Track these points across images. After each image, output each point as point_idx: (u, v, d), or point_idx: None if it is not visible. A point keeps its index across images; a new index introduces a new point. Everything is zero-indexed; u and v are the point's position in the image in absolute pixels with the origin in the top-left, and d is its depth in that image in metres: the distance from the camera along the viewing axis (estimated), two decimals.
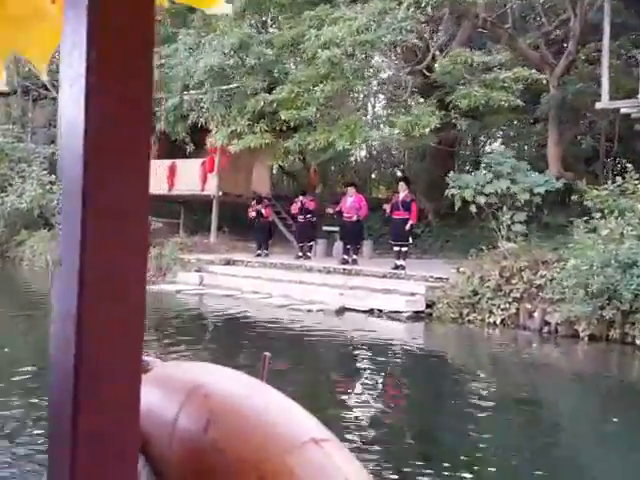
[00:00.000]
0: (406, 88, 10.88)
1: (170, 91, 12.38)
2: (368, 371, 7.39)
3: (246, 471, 0.70)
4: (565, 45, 15.06)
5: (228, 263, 14.54)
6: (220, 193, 17.77)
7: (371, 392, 6.40)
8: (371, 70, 10.16)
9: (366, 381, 6.90)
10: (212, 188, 17.84)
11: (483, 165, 10.04)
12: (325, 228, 16.22)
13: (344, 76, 9.99)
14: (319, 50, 10.07)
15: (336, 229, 15.76)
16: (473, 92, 9.92)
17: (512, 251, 10.74)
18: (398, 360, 8.11)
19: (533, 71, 10.70)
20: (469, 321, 10.20)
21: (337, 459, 0.69)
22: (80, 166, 0.56)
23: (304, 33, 10.76)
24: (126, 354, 0.59)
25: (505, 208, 10.40)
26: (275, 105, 10.66)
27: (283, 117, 10.34)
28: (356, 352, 8.28)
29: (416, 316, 10.49)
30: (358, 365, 7.66)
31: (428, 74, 10.64)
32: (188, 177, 18.37)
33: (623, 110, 11.45)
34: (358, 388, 6.52)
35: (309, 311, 10.58)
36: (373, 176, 24.12)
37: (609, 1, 11.31)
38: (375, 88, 10.25)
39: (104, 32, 0.56)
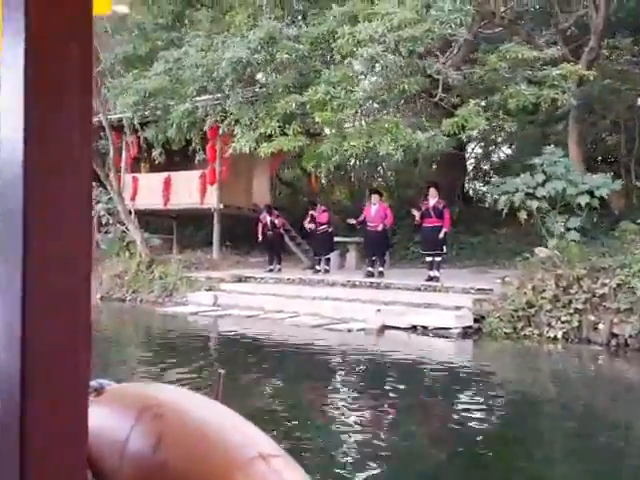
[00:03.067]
0: (450, 88, 10.07)
1: (181, 96, 11.37)
2: (460, 404, 6.46)
3: None
4: (579, 43, 14.50)
5: (240, 280, 13.53)
6: (221, 206, 16.76)
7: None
8: (416, 67, 9.31)
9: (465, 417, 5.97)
10: (212, 201, 16.82)
11: (537, 166, 9.21)
12: (337, 239, 15.32)
13: (387, 74, 9.14)
14: (354, 48, 9.21)
15: (349, 239, 14.92)
16: (522, 91, 9.16)
17: (561, 258, 9.97)
18: (470, 391, 7.17)
19: (579, 66, 10.00)
20: (525, 336, 9.35)
21: (285, 474, 0.69)
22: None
23: (334, 30, 9.88)
24: (71, 371, 0.60)
25: (554, 213, 9.63)
26: (308, 107, 9.73)
27: (318, 119, 9.42)
28: (423, 379, 7.36)
29: (464, 332, 9.62)
30: (440, 397, 6.74)
31: (471, 71, 9.85)
32: (185, 190, 17.32)
33: None
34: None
35: (349, 331, 9.64)
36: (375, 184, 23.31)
37: None
38: (417, 87, 9.35)
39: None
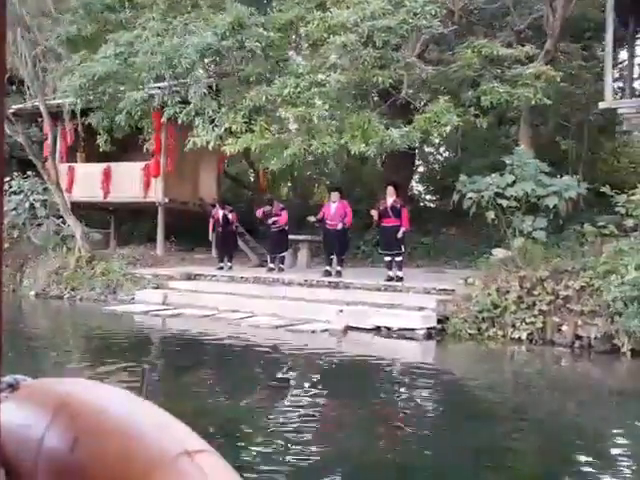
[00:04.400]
0: (422, 82, 9.84)
1: (134, 82, 10.63)
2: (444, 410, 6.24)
3: None
4: (534, 45, 14.68)
5: (189, 278, 12.93)
6: (166, 200, 16.03)
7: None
8: (389, 59, 9.00)
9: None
10: (157, 194, 16.07)
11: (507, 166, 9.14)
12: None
13: (362, 66, 8.79)
14: (326, 35, 8.82)
15: (300, 237, 14.56)
16: (496, 88, 9.04)
17: (522, 259, 9.97)
18: (428, 391, 6.97)
19: (548, 67, 10.00)
20: (489, 337, 9.26)
21: (210, 471, 0.66)
22: None
23: (303, 16, 9.45)
24: None
25: (518, 213, 9.60)
26: (279, 101, 9.25)
27: (288, 114, 8.96)
28: (384, 379, 7.12)
29: (428, 333, 9.46)
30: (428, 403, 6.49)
31: (443, 68, 9.65)
32: (127, 182, 16.47)
33: (623, 111, 11.01)
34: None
35: (313, 332, 9.29)
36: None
37: None
38: (390, 81, 9.04)
39: None
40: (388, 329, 9.52)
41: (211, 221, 13.90)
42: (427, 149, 20.60)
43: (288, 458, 4.28)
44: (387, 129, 8.96)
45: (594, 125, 16.54)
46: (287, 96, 8.88)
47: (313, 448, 4.59)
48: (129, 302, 12.00)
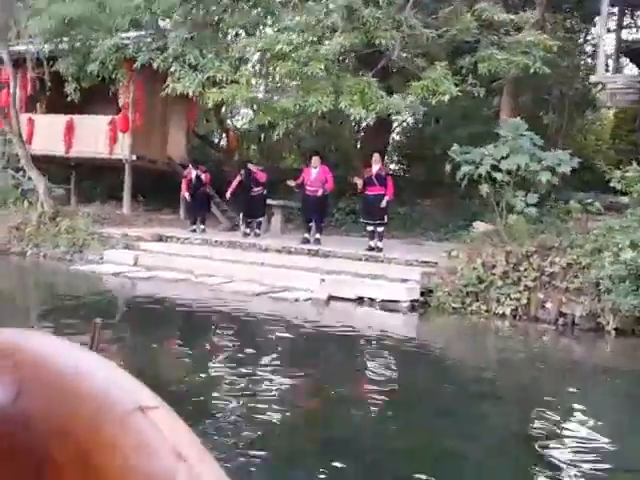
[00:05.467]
0: (420, 46, 9.44)
1: (109, 28, 9.91)
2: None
3: (63, 444, 0.67)
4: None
5: (160, 239, 12.43)
6: (134, 157, 15.34)
7: None
8: (392, 21, 8.57)
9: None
10: (124, 151, 15.36)
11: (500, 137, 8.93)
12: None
13: (363, 28, 8.36)
14: None
15: (274, 202, 14.14)
16: (494, 55, 8.77)
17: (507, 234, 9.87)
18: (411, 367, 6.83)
19: (545, 36, 9.77)
20: (472, 312, 9.15)
21: (164, 427, 0.66)
22: None
23: None
24: None
25: (509, 187, 9.44)
26: (268, 55, 8.75)
27: (279, 70, 8.48)
28: (362, 350, 6.94)
29: (411, 305, 9.30)
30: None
31: (443, 30, 9.26)
32: (91, 137, 15.66)
33: (612, 86, 10.92)
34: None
35: (296, 300, 9.02)
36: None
37: None
38: (393, 42, 8.64)
39: None
40: (371, 300, 9.33)
41: (184, 181, 13.37)
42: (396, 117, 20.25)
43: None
44: (389, 95, 8.61)
45: (572, 100, 16.54)
46: (279, 51, 8.42)
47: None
48: (97, 262, 11.48)
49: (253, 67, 9.54)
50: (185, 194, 13.38)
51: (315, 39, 8.44)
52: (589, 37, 18.54)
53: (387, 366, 6.46)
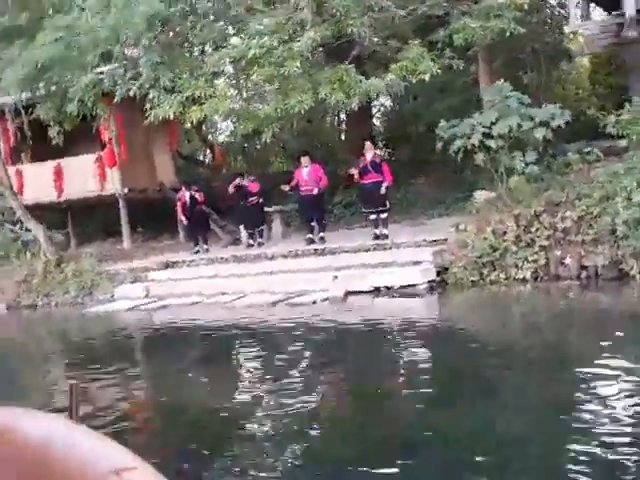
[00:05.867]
0: (389, 27, 9.30)
1: (81, 66, 9.80)
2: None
3: None
4: None
5: (167, 267, 12.33)
6: (126, 190, 15.24)
7: None
8: (363, 6, 8.45)
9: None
10: (115, 185, 15.26)
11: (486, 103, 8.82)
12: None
13: (333, 18, 8.25)
14: None
15: (271, 209, 14.02)
16: (469, 23, 8.64)
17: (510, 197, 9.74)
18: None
19: None
20: (492, 282, 9.02)
21: None
22: None
23: None
24: None
25: (504, 151, 9.32)
26: (243, 63, 8.63)
27: (259, 76, 8.35)
28: (423, 344, 6.83)
29: (430, 287, 9.18)
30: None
31: (410, 12, 9.12)
32: (80, 177, 15.58)
33: (588, 33, 10.80)
34: None
35: (314, 302, 8.91)
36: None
37: None
38: (364, 29, 8.52)
39: None
40: (388, 288, 9.21)
41: (179, 204, 13.26)
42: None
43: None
44: (366, 79, 8.51)
45: (546, 55, 16.40)
46: (252, 57, 8.32)
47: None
48: (109, 301, 11.38)
49: (228, 78, 9.42)
50: (182, 217, 13.28)
51: (286, 37, 8.34)
52: None
53: (420, 353, 6.36)
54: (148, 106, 9.32)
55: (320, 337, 7.39)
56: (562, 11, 18.49)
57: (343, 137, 19.22)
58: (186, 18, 9.43)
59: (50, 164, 15.85)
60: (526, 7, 9.62)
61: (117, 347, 8.29)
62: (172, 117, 9.22)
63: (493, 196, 10.60)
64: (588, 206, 8.63)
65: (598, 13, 16.91)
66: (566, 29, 10.60)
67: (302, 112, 8.64)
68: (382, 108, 21.69)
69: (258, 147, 21.67)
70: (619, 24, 10.36)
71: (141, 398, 5.81)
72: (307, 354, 6.78)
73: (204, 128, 19.03)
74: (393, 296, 9.10)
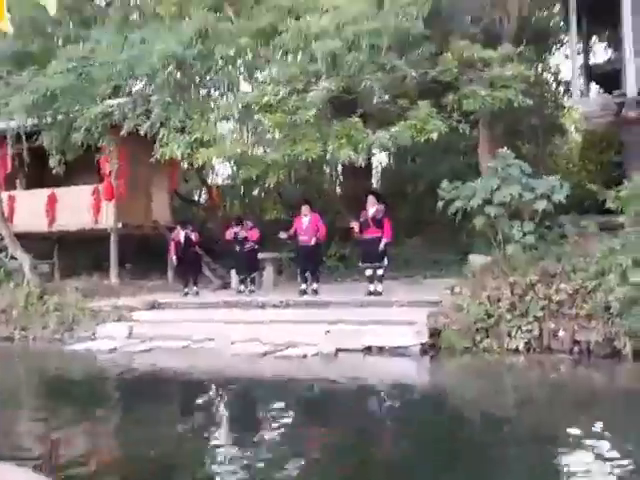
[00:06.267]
0: (400, 87, 9.46)
1: (91, 97, 9.82)
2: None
3: None
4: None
5: (154, 307, 12.12)
6: (119, 225, 15.12)
7: None
8: (378, 64, 8.61)
9: None
10: (109, 219, 15.15)
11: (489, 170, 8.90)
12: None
13: (348, 72, 8.37)
14: (301, 43, 8.36)
15: (264, 256, 13.92)
16: (478, 91, 8.79)
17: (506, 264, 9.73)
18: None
19: (523, 67, 9.86)
20: (485, 349, 8.91)
21: None
22: None
23: (274, 24, 8.94)
24: None
25: (504, 218, 9.36)
26: (256, 108, 8.69)
27: (267, 122, 8.42)
28: (409, 410, 6.66)
29: (422, 349, 9.04)
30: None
31: (421, 74, 9.31)
32: (74, 209, 15.48)
33: (587, 108, 11.04)
34: None
35: (304, 357, 8.72)
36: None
37: None
38: (378, 84, 8.66)
39: None
40: (380, 348, 9.05)
41: (172, 244, 13.14)
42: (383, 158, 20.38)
43: None
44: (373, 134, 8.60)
45: (542, 128, 16.79)
46: (266, 104, 8.37)
47: None
48: (90, 339, 11.07)
49: (238, 122, 9.50)
50: (173, 257, 13.14)
51: (301, 87, 8.44)
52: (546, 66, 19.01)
53: (409, 419, 6.18)
54: (157, 144, 9.31)
55: (308, 394, 7.19)
56: (559, 87, 19.11)
57: (340, 189, 19.31)
58: (201, 60, 9.55)
59: (44, 192, 15.77)
60: (532, 80, 9.82)
61: (91, 392, 7.96)
62: (179, 157, 9.21)
63: (488, 261, 10.60)
64: (583, 280, 8.62)
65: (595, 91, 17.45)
66: (566, 104, 10.80)
67: (309, 161, 8.67)
68: (381, 165, 21.94)
69: (255, 193, 21.79)
70: (619, 103, 10.58)
71: (105, 451, 5.51)
72: (291, 412, 6.56)
73: (204, 169, 19.08)
74: (385, 356, 8.94)
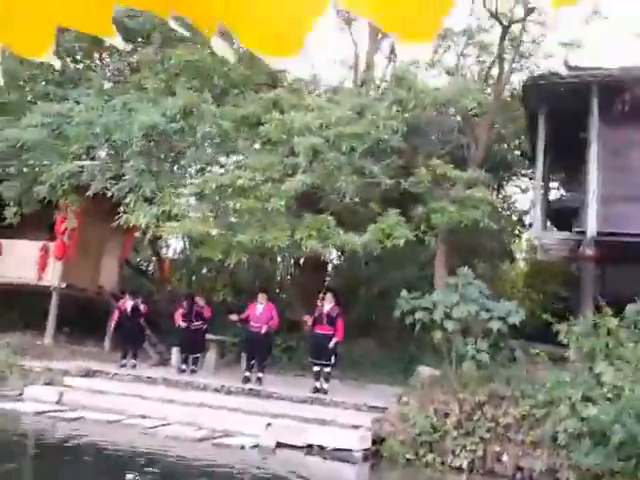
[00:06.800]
0: (376, 191, 9.75)
1: (62, 154, 9.70)
2: None
3: None
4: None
5: (87, 374, 11.51)
6: (63, 285, 14.58)
7: None
8: (354, 167, 8.87)
9: None
10: (54, 278, 14.59)
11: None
12: None
13: (326, 169, 8.57)
14: (283, 135, 8.59)
15: (212, 337, 13.55)
16: (447, 207, 9.15)
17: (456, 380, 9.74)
18: None
19: (488, 192, 10.33)
20: (427, 464, 8.72)
21: None
22: None
23: (259, 114, 9.20)
24: None
25: (458, 334, 9.46)
26: (229, 190, 8.72)
27: (242, 206, 8.43)
28: None
29: (364, 455, 8.79)
30: None
31: (393, 182, 9.65)
32: (20, 261, 14.87)
33: (546, 241, 11.55)
34: None
35: (242, 448, 8.33)
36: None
37: (543, 127, 11.64)
38: (352, 187, 8.90)
39: None
40: (321, 448, 8.76)
41: (116, 312, 12.70)
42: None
43: None
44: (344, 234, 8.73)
45: (495, 252, 17.50)
46: (240, 187, 8.45)
47: None
48: (16, 399, 10.36)
49: (207, 202, 9.50)
50: (113, 325, 12.67)
51: (277, 177, 8.59)
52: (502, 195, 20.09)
53: None
54: (122, 210, 9.19)
55: None
56: (512, 216, 20.12)
57: (292, 281, 19.30)
58: (181, 136, 9.67)
59: None
60: (498, 205, 10.29)
61: (5, 458, 7.38)
62: (143, 227, 9.08)
63: (437, 374, 10.60)
64: (531, 406, 8.66)
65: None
66: (528, 233, 11.29)
67: (278, 247, 8.68)
68: (333, 262, 22.13)
69: (205, 271, 21.53)
70: (577, 240, 11.12)
71: None
72: None
73: (158, 241, 18.85)
74: (325, 458, 8.63)
